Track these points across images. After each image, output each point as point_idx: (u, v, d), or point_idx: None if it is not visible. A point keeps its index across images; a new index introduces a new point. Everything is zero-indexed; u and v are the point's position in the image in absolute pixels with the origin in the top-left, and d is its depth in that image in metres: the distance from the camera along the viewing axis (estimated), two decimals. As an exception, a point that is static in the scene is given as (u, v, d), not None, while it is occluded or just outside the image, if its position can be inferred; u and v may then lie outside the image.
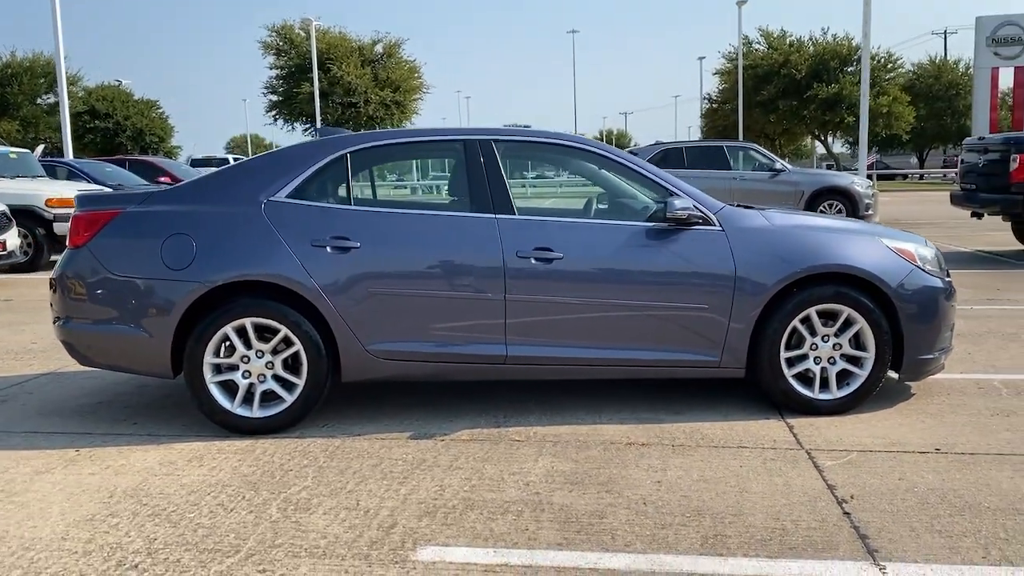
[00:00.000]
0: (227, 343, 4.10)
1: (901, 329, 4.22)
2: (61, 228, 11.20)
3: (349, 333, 4.09)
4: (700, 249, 4.18)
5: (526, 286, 4.12)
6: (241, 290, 4.08)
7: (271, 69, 41.31)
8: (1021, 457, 3.64)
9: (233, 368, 4.10)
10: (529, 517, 3.10)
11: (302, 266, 4.05)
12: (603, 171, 4.66)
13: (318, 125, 35.96)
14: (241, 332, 4.06)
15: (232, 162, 32.69)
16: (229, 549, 2.88)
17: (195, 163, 30.00)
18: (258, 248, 4.08)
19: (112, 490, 3.43)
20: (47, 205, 11.23)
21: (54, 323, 4.33)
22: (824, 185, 15.02)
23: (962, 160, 12.02)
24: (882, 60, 38.57)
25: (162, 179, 17.21)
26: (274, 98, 41.68)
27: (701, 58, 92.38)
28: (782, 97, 38.56)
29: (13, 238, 10.17)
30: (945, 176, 42.91)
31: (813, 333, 4.23)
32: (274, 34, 40.53)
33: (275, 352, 4.09)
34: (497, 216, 4.20)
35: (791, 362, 4.24)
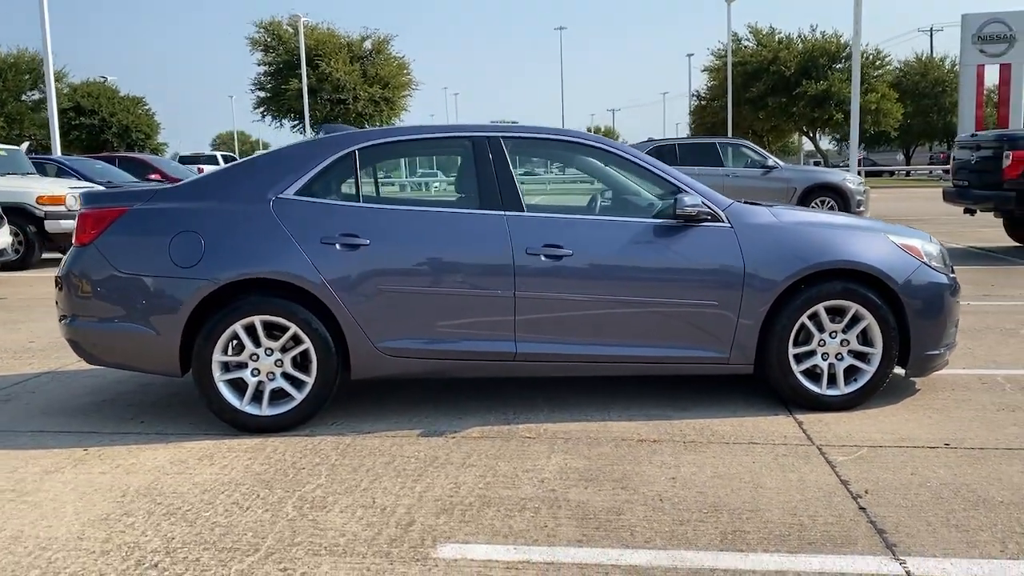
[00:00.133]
0: (236, 341, 4.07)
1: (908, 325, 4.24)
2: (52, 226, 11.13)
3: (359, 330, 4.07)
4: (709, 245, 4.19)
5: (536, 283, 4.12)
6: (250, 288, 4.06)
7: (259, 65, 41.13)
8: (1030, 451, 3.67)
9: (242, 366, 4.08)
10: (547, 514, 3.10)
11: (311, 263, 4.03)
12: (609, 167, 4.67)
13: (307, 121, 35.82)
14: (250, 330, 4.04)
15: (221, 160, 32.52)
16: (248, 548, 2.87)
17: (183, 160, 29.74)
18: (267, 245, 4.05)
19: (125, 489, 3.41)
20: (38, 203, 11.14)
21: (60, 321, 4.29)
22: (816, 182, 15.11)
23: (954, 157, 12.12)
24: (870, 57, 38.82)
25: (152, 176, 17.08)
26: (262, 95, 41.48)
27: (690, 55, 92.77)
28: (771, 94, 38.78)
29: (4, 236, 10.07)
30: (931, 173, 43.26)
31: (821, 329, 4.25)
32: (262, 30, 40.32)
33: (284, 350, 4.07)
34: (506, 213, 4.20)
35: (799, 358, 4.26)
